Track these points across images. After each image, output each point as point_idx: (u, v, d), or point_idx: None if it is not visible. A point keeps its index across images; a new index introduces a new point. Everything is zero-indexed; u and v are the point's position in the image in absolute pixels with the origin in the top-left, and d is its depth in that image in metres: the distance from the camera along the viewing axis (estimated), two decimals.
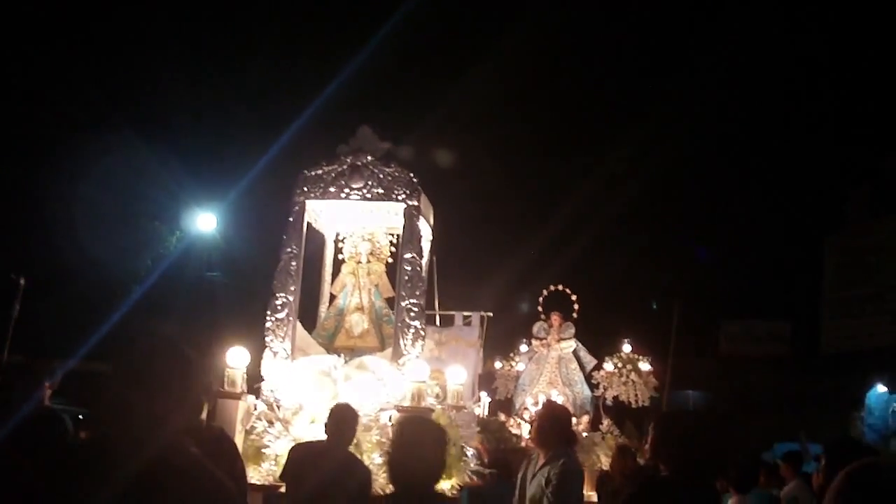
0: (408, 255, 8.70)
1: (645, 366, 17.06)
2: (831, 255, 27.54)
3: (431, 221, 9.72)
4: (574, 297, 17.42)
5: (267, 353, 8.73)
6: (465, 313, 16.80)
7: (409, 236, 8.75)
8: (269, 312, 8.82)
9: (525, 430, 15.28)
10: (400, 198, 8.81)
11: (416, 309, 8.54)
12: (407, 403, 7.83)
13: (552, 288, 17.62)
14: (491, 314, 16.97)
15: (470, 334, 16.35)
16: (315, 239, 9.90)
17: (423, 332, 8.50)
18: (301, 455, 6.75)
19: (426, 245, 9.76)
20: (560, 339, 17.23)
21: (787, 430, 23.94)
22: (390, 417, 7.96)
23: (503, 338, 19.07)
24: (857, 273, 25.96)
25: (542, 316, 17.55)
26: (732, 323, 30.29)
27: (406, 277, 8.64)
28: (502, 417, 16.25)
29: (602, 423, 14.93)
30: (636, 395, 16.84)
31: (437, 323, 15.69)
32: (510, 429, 15.50)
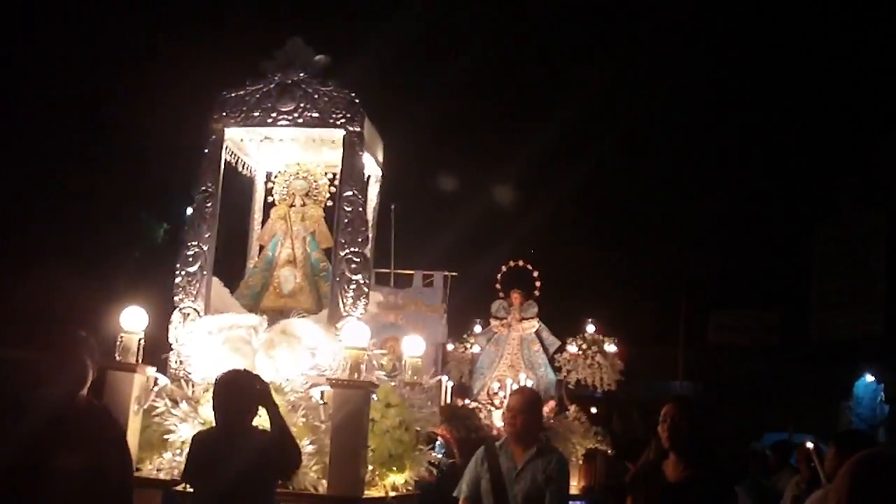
0: (348, 193, 7.03)
1: (610, 347, 16.11)
2: (820, 244, 27.26)
3: (380, 157, 8.07)
4: (536, 274, 16.07)
5: (176, 316, 7.09)
6: (426, 272, 15.20)
7: (350, 169, 7.08)
8: (178, 265, 7.16)
9: (496, 417, 14.00)
10: (339, 122, 7.15)
11: (357, 260, 6.88)
12: (342, 376, 6.17)
13: (511, 264, 16.23)
14: (455, 274, 15.35)
15: (432, 298, 14.80)
16: (241, 183, 8.23)
17: (366, 289, 6.85)
18: (200, 446, 5.21)
19: (374, 186, 8.12)
20: (522, 319, 15.91)
21: (776, 420, 23.50)
22: (322, 394, 6.33)
23: (468, 304, 17.46)
24: (847, 263, 25.64)
25: (501, 294, 16.18)
26: (721, 312, 29.65)
27: (346, 220, 6.97)
28: (461, 402, 14.90)
29: (568, 409, 14.02)
30: (601, 379, 16.00)
31: (392, 284, 14.20)
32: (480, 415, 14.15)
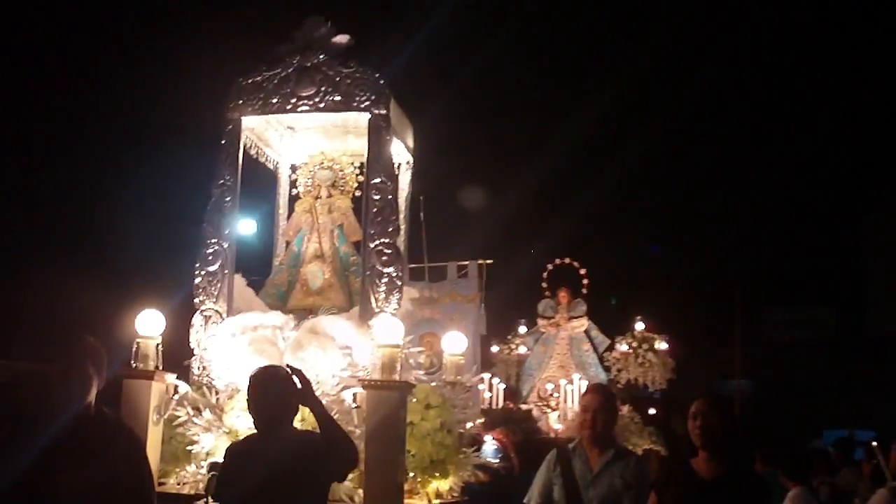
0: (376, 181, 6.52)
1: (661, 345, 15.47)
2: (872, 236, 27.11)
3: (411, 143, 7.57)
4: (583, 272, 15.64)
5: (197, 319, 6.63)
6: (460, 263, 14.67)
7: (377, 155, 6.58)
8: (198, 265, 6.70)
9: (553, 419, 13.58)
10: (363, 105, 6.65)
11: (388, 251, 6.38)
12: (376, 376, 5.66)
13: (557, 262, 15.85)
14: (490, 261, 14.80)
15: (467, 288, 14.19)
16: (264, 175, 7.77)
17: (399, 283, 6.34)
18: (236, 458, 4.69)
19: (406, 174, 7.63)
20: (570, 318, 15.53)
21: (834, 417, 22.87)
22: (354, 397, 5.83)
23: (509, 302, 16.90)
24: None
25: (548, 293, 15.79)
26: (775, 309, 28.98)
27: (374, 210, 6.46)
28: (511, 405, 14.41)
29: (621, 409, 13.08)
30: (653, 378, 15.41)
31: (427, 278, 13.67)
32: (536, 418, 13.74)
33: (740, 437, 4.75)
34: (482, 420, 13.01)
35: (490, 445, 12.38)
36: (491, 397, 13.74)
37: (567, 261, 15.74)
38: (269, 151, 7.59)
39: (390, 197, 6.50)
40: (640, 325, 15.92)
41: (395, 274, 6.34)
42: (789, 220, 27.07)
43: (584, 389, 7.96)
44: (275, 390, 4.41)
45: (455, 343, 7.13)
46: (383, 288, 6.32)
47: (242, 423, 5.79)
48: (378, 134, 6.61)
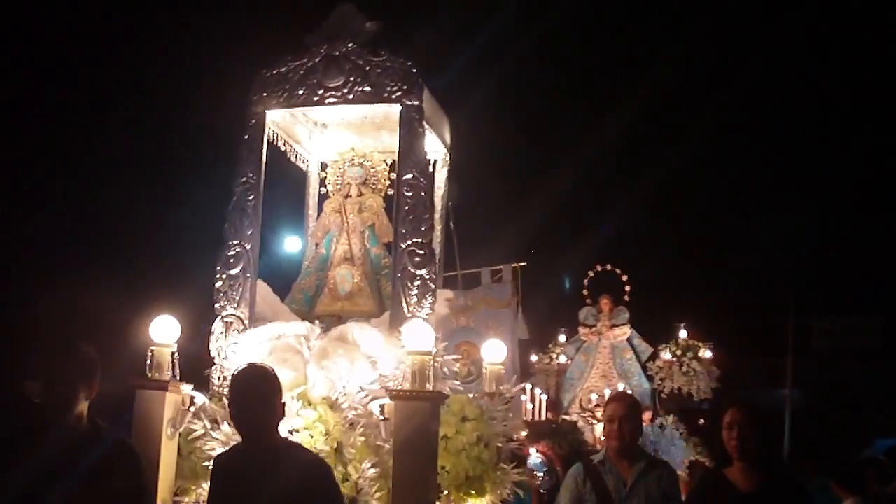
0: (407, 176, 6.07)
1: (706, 353, 15.04)
2: None
3: (447, 138, 7.12)
4: (625, 278, 15.29)
5: (217, 326, 6.21)
6: (494, 268, 14.18)
7: (409, 149, 6.12)
8: (218, 268, 6.29)
9: (599, 431, 12.98)
10: (395, 96, 6.20)
11: (421, 252, 5.92)
12: (407, 386, 5.19)
13: (598, 268, 15.52)
14: (524, 263, 14.31)
15: (502, 292, 13.70)
16: (292, 174, 7.36)
17: (432, 286, 5.88)
18: (223, 471, 4.28)
19: (442, 171, 7.19)
20: (612, 326, 15.20)
21: (885, 426, 22.45)
22: (382, 408, 5.36)
23: (548, 309, 16.39)
24: None
25: (589, 300, 15.47)
26: (822, 318, 28.27)
27: (406, 208, 6.01)
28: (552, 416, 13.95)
29: (666, 419, 12.95)
30: (698, 387, 14.93)
31: (460, 285, 13.22)
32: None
33: (779, 446, 4.52)
34: (526, 433, 12.61)
35: (535, 458, 11.94)
36: (533, 408, 13.26)
37: (609, 267, 15.25)
38: (298, 149, 7.19)
39: (423, 194, 6.03)
40: (683, 333, 15.47)
41: (428, 276, 5.88)
42: (836, 226, 26.27)
43: None
44: (261, 392, 3.99)
45: (495, 351, 6.64)
46: (415, 291, 5.85)
47: None
48: (410, 126, 6.16)
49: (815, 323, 28.53)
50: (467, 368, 11.27)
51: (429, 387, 5.14)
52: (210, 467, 4.47)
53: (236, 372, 4.16)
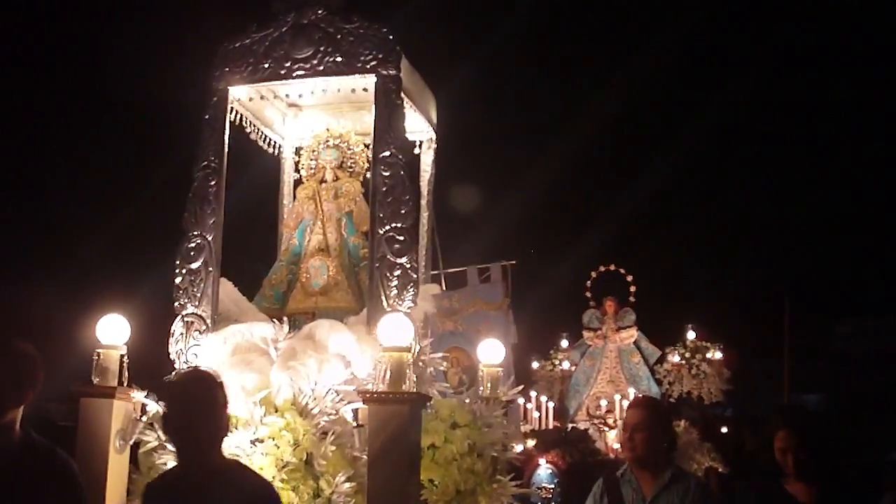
0: (385, 154, 5.42)
1: (716, 354, 14.67)
2: None
3: (434, 117, 6.49)
4: (630, 279, 14.71)
5: (177, 326, 5.56)
6: (481, 266, 13.51)
7: (386, 124, 5.47)
8: (177, 262, 5.64)
9: (611, 438, 12.68)
10: (369, 65, 5.56)
11: (401, 238, 5.27)
12: (382, 387, 4.53)
13: (602, 269, 14.89)
14: (514, 263, 13.63)
15: (491, 294, 13.03)
16: (266, 160, 6.73)
17: (414, 275, 5.23)
18: (155, 498, 3.62)
19: (428, 153, 6.55)
20: (619, 329, 14.59)
21: None
22: (356, 413, 4.71)
23: (542, 303, 15.69)
24: None
25: (593, 303, 14.86)
26: (843, 321, 27.73)
27: (384, 189, 5.37)
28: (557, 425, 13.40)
29: (678, 425, 12.42)
30: (709, 390, 14.58)
31: (444, 286, 12.58)
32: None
33: (834, 455, 4.53)
34: (534, 442, 11.97)
35: (545, 470, 11.31)
36: (540, 416, 12.62)
37: (612, 267, 14.63)
38: (269, 133, 6.56)
39: (403, 173, 5.38)
40: (691, 335, 14.99)
41: (409, 265, 5.22)
42: (855, 227, 25.63)
43: None
44: (204, 402, 3.34)
45: (492, 352, 6.00)
46: (395, 283, 5.20)
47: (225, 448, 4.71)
48: (387, 98, 5.51)
49: (833, 326, 28.12)
50: (458, 377, 10.64)
51: (407, 388, 4.49)
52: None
53: (174, 378, 3.52)
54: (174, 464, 3.74)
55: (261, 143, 6.50)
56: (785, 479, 4.49)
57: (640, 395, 9.81)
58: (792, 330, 23.77)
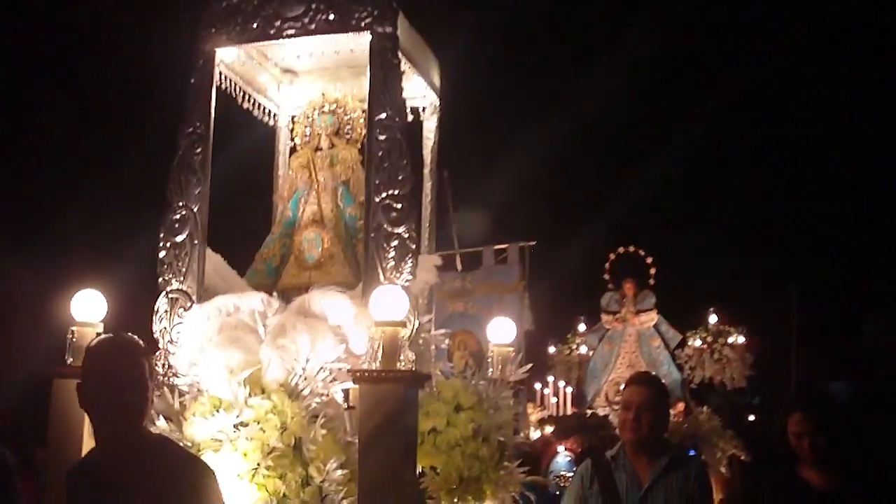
0: (381, 116, 5.04)
1: (738, 338, 14.35)
2: None
3: (437, 81, 6.11)
4: (649, 260, 14.24)
5: (161, 303, 5.21)
6: (498, 247, 13.10)
7: (382, 84, 5.09)
8: (161, 235, 5.29)
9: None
10: (363, 23, 5.18)
11: (399, 205, 4.89)
12: (376, 365, 4.15)
13: (621, 250, 14.42)
14: (533, 243, 13.20)
15: (507, 276, 12.58)
16: (260, 131, 6.37)
17: (412, 245, 4.86)
18: (80, 488, 3.18)
19: (432, 120, 6.17)
20: (638, 312, 14.13)
21: None
22: (347, 394, 4.35)
23: (557, 287, 15.25)
24: None
25: (611, 285, 14.40)
26: (874, 309, 27.17)
27: (380, 154, 4.99)
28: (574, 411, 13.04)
29: (702, 412, 12.01)
30: (732, 376, 14.24)
31: (459, 267, 12.15)
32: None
33: (856, 439, 4.36)
34: (552, 429, 11.61)
35: (563, 457, 10.94)
36: (557, 402, 12.25)
37: (631, 249, 14.25)
38: (263, 101, 6.20)
39: (399, 136, 5.00)
40: (713, 318, 14.67)
41: (406, 235, 4.85)
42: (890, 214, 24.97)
43: None
44: (126, 371, 2.98)
45: (502, 330, 5.61)
46: (392, 254, 4.83)
47: (205, 431, 4.36)
48: (383, 57, 5.13)
49: (864, 315, 27.63)
50: (465, 361, 10.27)
51: (403, 364, 4.12)
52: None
53: (92, 344, 3.14)
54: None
55: (256, 113, 6.15)
56: (800, 465, 4.32)
57: (640, 372, 9.36)
58: (818, 318, 23.34)
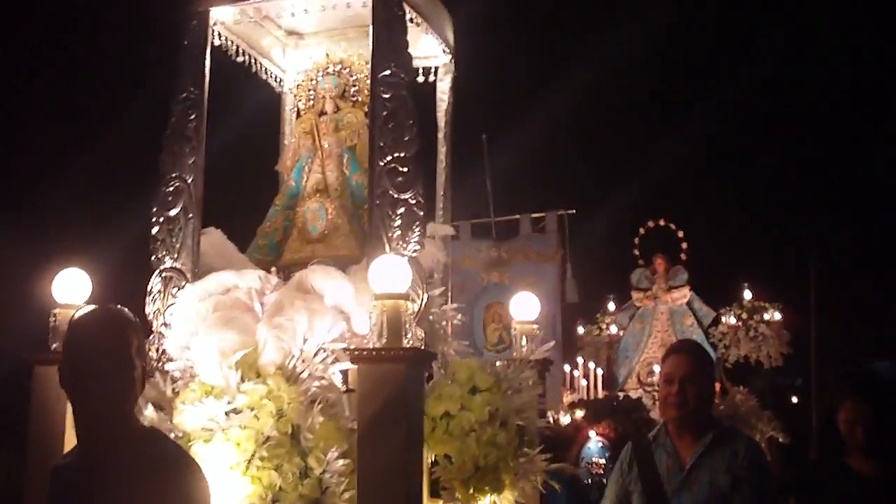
0: (385, 73, 4.64)
1: (775, 315, 13.72)
2: None
3: (450, 38, 5.69)
4: (681, 234, 13.74)
5: (154, 282, 4.84)
6: (535, 215, 12.65)
7: (386, 38, 4.69)
8: (154, 209, 4.92)
9: None
10: None
11: (405, 169, 4.49)
12: (374, 343, 3.75)
13: (651, 224, 13.90)
14: (573, 211, 12.75)
15: (544, 244, 12.15)
16: (261, 98, 6.00)
17: (419, 212, 4.45)
18: (64, 487, 2.78)
19: (445, 81, 5.75)
20: (670, 289, 13.68)
21: None
22: (345, 375, 3.96)
23: (590, 263, 14.73)
24: None
25: (641, 261, 13.92)
26: None
27: (385, 114, 4.58)
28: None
29: (739, 391, 11.89)
30: (767, 353, 13.59)
31: (494, 234, 11.73)
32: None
33: None
34: (583, 413, 11.19)
35: (595, 443, 10.53)
36: (587, 385, 11.80)
37: (662, 222, 13.74)
38: (268, 65, 5.84)
39: (405, 93, 4.59)
40: (748, 294, 14.08)
41: (413, 201, 4.44)
42: None
43: None
44: (111, 349, 2.56)
45: (525, 306, 5.20)
46: (398, 222, 4.42)
47: (194, 419, 3.99)
48: (387, 10, 4.73)
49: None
50: (499, 334, 9.83)
51: (408, 342, 3.72)
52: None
53: (74, 318, 2.72)
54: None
55: (264, 77, 5.80)
56: (848, 453, 3.97)
57: (681, 340, 8.88)
58: (860, 293, 22.53)
